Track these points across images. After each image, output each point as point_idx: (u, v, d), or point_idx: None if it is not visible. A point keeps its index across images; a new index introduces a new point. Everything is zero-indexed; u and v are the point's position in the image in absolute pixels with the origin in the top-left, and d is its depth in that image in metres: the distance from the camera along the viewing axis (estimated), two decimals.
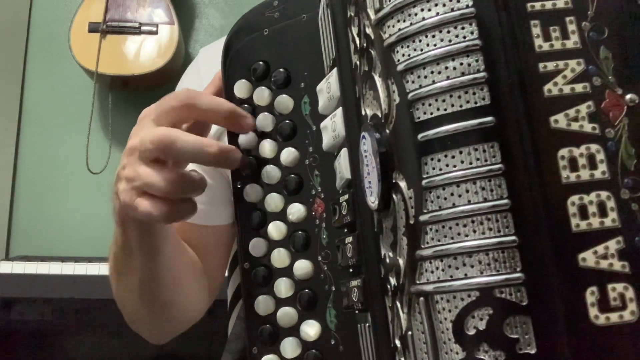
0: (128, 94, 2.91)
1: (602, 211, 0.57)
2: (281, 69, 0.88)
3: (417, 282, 0.61)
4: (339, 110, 0.78)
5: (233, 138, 0.89)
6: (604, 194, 0.57)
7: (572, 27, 0.59)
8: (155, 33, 2.76)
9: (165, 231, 0.96)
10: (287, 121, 0.88)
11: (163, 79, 2.73)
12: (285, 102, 0.88)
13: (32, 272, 2.20)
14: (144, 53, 2.73)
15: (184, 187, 0.82)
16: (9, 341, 2.55)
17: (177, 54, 2.76)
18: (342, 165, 0.77)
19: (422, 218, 0.61)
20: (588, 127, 0.58)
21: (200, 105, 0.83)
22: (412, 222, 0.62)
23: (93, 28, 2.72)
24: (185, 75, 1.33)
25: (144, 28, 2.75)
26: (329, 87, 0.80)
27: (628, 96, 0.58)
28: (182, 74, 1.34)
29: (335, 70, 0.79)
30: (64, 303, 2.32)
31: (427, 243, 0.60)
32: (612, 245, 0.57)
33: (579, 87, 0.58)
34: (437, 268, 0.60)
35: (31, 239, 2.89)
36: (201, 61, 1.29)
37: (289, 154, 0.87)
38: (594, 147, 0.58)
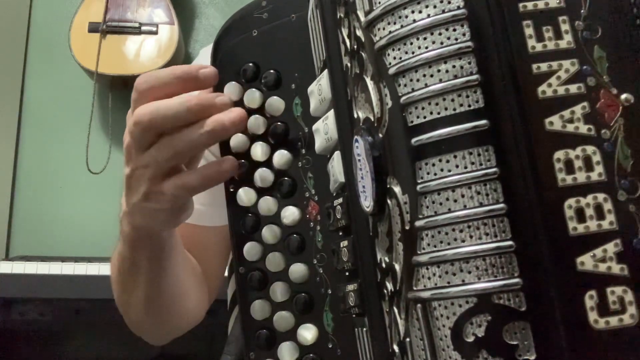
0: (128, 94, 2.86)
1: (600, 214, 0.56)
2: (271, 70, 0.87)
3: (414, 288, 0.61)
4: (331, 113, 0.77)
5: (224, 143, 0.88)
6: (601, 196, 0.56)
7: (565, 27, 0.58)
8: (155, 33, 2.77)
9: (173, 247, 0.96)
10: (278, 123, 0.86)
11: None
12: (276, 103, 0.87)
13: (32, 272, 2.22)
14: (144, 53, 2.74)
15: (186, 142, 0.80)
16: (9, 341, 2.56)
17: (177, 54, 2.78)
18: (336, 168, 0.77)
19: (418, 224, 0.60)
20: (583, 128, 0.57)
21: (154, 82, 0.81)
22: (407, 227, 0.61)
23: (93, 28, 2.74)
24: None
25: (144, 28, 2.76)
26: (320, 89, 0.79)
27: (623, 96, 0.57)
28: None
29: (326, 72, 0.78)
30: (64, 303, 2.33)
31: (424, 249, 0.60)
32: (611, 248, 0.56)
33: (573, 88, 0.57)
34: (434, 274, 0.59)
35: (31, 239, 2.91)
36: (202, 61, 1.28)
37: (281, 157, 0.86)
38: (589, 148, 0.57)
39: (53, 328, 2.53)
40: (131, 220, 0.88)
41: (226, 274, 1.27)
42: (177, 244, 0.99)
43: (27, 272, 2.21)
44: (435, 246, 0.59)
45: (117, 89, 2.88)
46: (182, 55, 2.87)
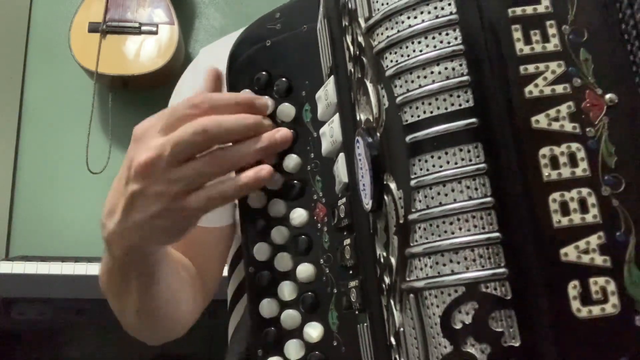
0: (128, 94, 2.91)
1: (583, 207, 0.58)
2: (283, 79, 0.89)
3: (408, 279, 0.63)
4: (336, 117, 0.80)
5: None
6: (584, 191, 0.59)
7: (552, 31, 0.61)
8: (155, 33, 2.76)
9: (162, 255, 0.96)
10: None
11: (163, 79, 2.73)
12: (287, 110, 0.88)
13: (32, 272, 2.21)
14: (144, 53, 2.73)
15: (236, 155, 0.82)
16: (9, 341, 2.55)
17: (177, 54, 2.77)
18: (340, 169, 0.79)
19: (411, 217, 0.62)
20: (569, 126, 0.59)
21: (216, 103, 0.82)
22: (402, 221, 0.64)
23: (93, 28, 2.73)
24: (185, 75, 1.33)
25: (144, 28, 2.75)
26: (326, 94, 0.82)
27: (608, 96, 0.60)
28: (182, 74, 1.33)
29: (332, 77, 0.80)
30: (64, 303, 2.31)
31: (417, 241, 0.62)
32: (594, 240, 0.58)
33: (559, 88, 0.60)
34: (426, 265, 0.61)
35: (31, 239, 2.89)
36: (202, 61, 1.30)
37: (291, 161, 0.87)
38: (574, 145, 0.59)
39: (53, 328, 2.54)
40: (125, 240, 0.87)
41: (225, 274, 1.27)
42: (167, 251, 0.99)
43: (27, 272, 2.20)
44: (427, 238, 0.61)
45: (117, 89, 2.88)
46: (182, 55, 2.87)
